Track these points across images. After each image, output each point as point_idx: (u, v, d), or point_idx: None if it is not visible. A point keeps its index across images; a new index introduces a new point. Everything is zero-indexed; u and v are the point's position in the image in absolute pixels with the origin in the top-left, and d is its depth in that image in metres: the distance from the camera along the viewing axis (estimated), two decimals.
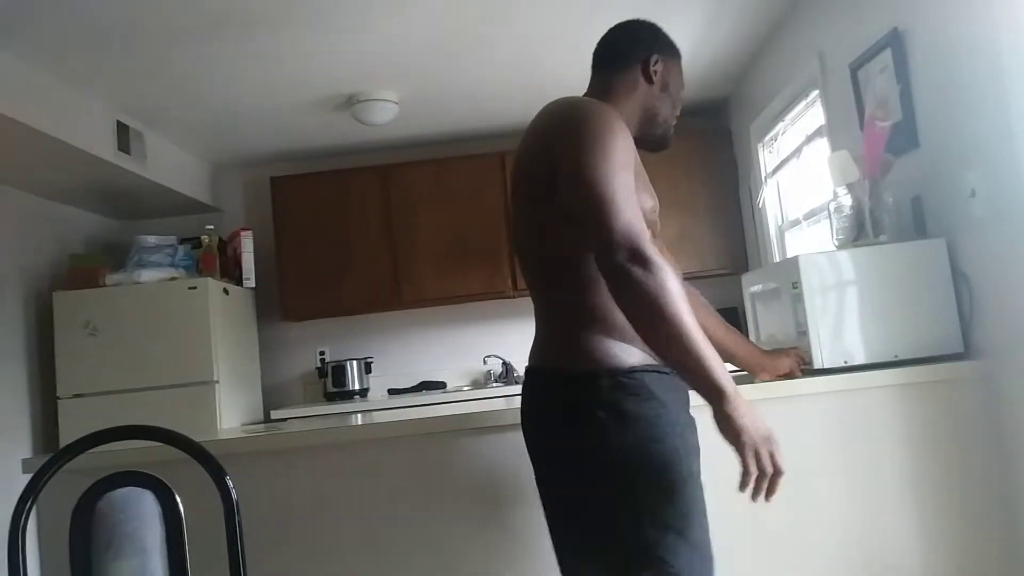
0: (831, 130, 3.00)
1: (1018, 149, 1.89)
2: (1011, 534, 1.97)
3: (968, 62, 2.04)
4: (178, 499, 1.45)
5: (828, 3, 2.92)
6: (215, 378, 3.88)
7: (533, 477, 1.55)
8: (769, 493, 1.29)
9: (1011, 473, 1.98)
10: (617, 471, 1.37)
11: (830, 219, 2.35)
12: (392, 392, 4.62)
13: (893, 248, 2.16)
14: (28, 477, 1.48)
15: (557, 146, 1.44)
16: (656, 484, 1.36)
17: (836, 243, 2.33)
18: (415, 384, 4.64)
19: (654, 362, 1.43)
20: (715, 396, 1.29)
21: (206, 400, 3.85)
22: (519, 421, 1.58)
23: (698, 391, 1.32)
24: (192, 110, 3.84)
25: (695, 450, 1.45)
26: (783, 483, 1.28)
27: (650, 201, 1.52)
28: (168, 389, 3.82)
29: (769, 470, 1.27)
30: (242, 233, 4.37)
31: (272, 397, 4.67)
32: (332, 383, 4.49)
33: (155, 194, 4.25)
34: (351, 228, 4.51)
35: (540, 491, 1.54)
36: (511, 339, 4.64)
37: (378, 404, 4.28)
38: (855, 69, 2.65)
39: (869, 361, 2.07)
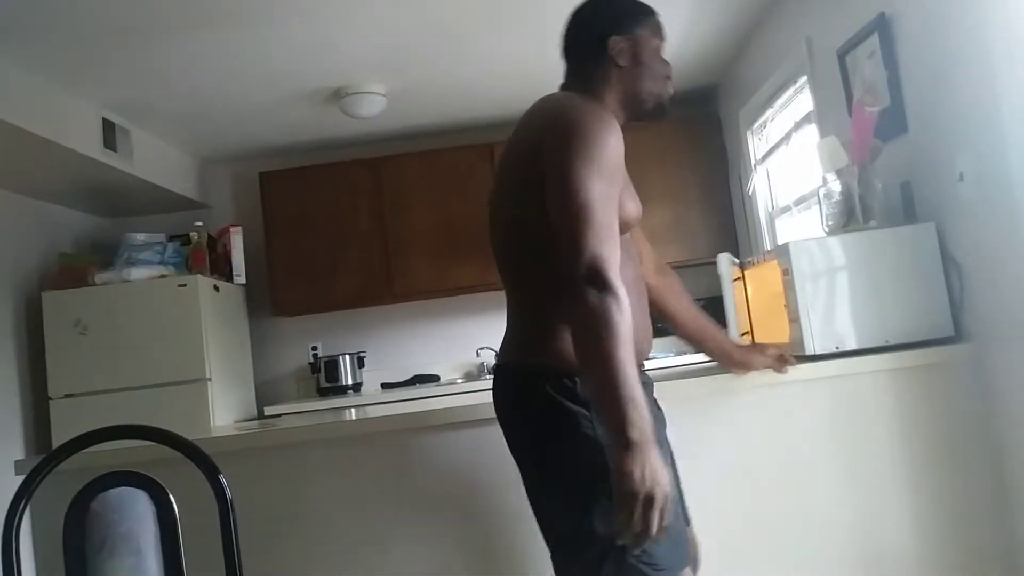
0: (820, 116, 3.01)
1: (1006, 132, 1.89)
2: (1003, 516, 1.98)
3: (955, 46, 2.04)
4: (172, 498, 1.44)
5: None
6: (207, 375, 3.86)
7: None
8: (633, 547, 1.28)
9: (1002, 455, 2.00)
10: (589, 464, 1.38)
11: (820, 205, 2.35)
12: (385, 386, 4.62)
13: (883, 233, 2.17)
14: (21, 479, 1.47)
15: (547, 150, 1.42)
16: None
17: (826, 229, 2.33)
18: (409, 378, 4.64)
19: None
20: (619, 441, 1.26)
21: (199, 398, 3.83)
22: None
23: (606, 427, 1.31)
24: (178, 106, 3.81)
25: (664, 441, 1.47)
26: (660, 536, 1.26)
27: (635, 208, 1.52)
28: (160, 387, 3.80)
29: (638, 528, 1.24)
30: (232, 229, 4.35)
31: (265, 393, 4.66)
32: (325, 378, 4.48)
33: (143, 191, 4.22)
34: (341, 222, 4.50)
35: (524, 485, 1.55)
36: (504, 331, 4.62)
37: (371, 398, 4.28)
38: (843, 55, 2.65)
39: (860, 346, 2.08)
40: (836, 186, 2.29)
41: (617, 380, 1.26)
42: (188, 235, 4.19)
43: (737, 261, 2.51)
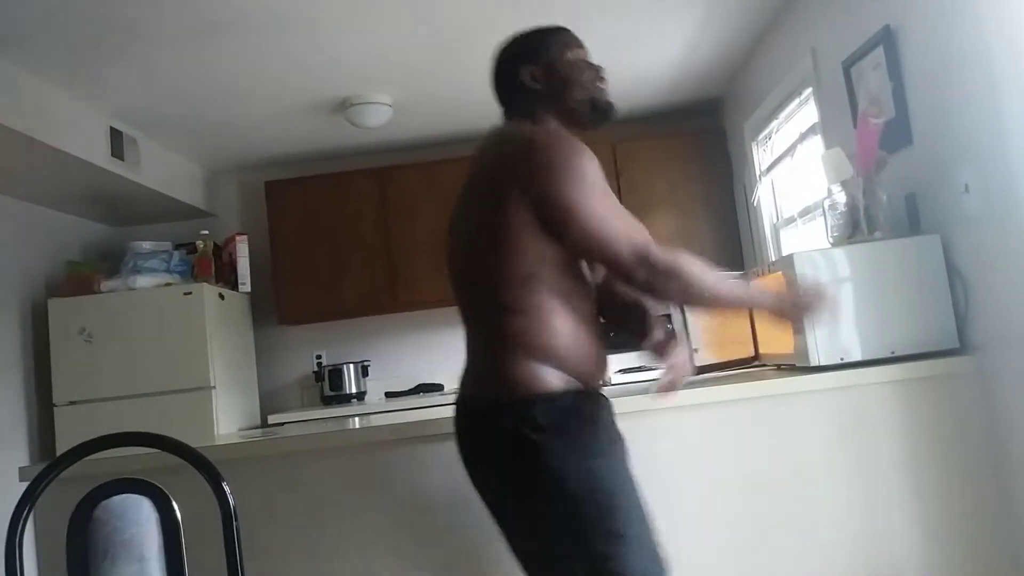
0: (825, 128, 3.01)
1: (1011, 144, 1.89)
2: (1008, 527, 1.97)
3: (960, 58, 2.05)
4: (175, 505, 1.45)
5: (820, 1, 2.93)
6: (211, 383, 3.86)
7: None
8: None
9: (1006, 466, 1.99)
10: (560, 493, 1.38)
11: (825, 216, 2.35)
12: (389, 395, 4.62)
13: (888, 245, 2.17)
14: (25, 485, 1.47)
15: (528, 181, 1.44)
16: (599, 500, 1.38)
17: (831, 240, 2.33)
18: (412, 387, 4.63)
19: (579, 383, 1.47)
20: (771, 311, 1.70)
21: (203, 406, 3.83)
22: None
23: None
24: (185, 115, 3.83)
25: (629, 459, 1.49)
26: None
27: None
28: (164, 395, 3.80)
29: (818, 304, 1.66)
30: (237, 238, 4.36)
31: (269, 402, 4.66)
32: (329, 387, 4.48)
33: (149, 200, 4.24)
34: (346, 231, 4.50)
35: (493, 517, 1.55)
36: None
37: (375, 407, 4.26)
38: (848, 67, 2.66)
39: (865, 358, 2.08)
40: (841, 197, 2.29)
41: (729, 299, 1.57)
42: (194, 244, 4.21)
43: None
